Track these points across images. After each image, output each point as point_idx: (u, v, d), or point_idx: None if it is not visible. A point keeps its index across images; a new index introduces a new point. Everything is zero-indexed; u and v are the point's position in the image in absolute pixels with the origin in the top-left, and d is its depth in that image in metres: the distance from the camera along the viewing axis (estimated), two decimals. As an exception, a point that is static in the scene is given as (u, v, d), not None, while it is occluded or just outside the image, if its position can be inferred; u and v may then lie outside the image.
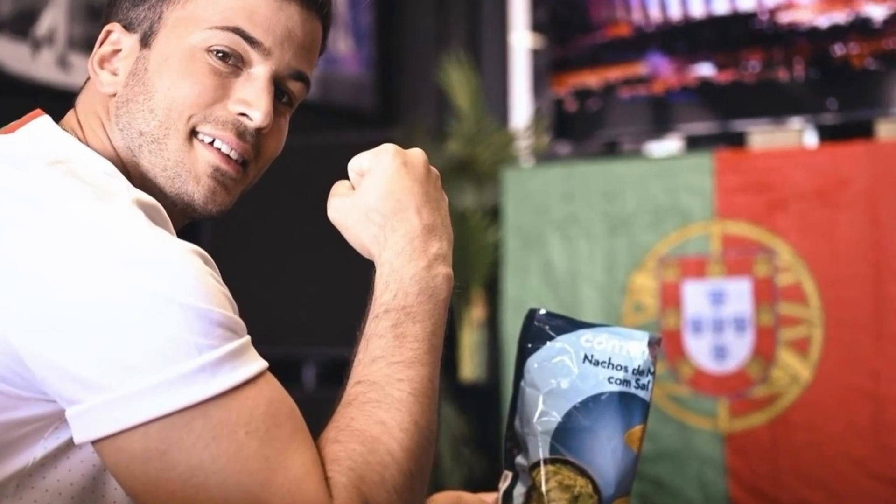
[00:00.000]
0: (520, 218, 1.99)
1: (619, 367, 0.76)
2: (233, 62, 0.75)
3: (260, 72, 0.76)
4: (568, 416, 0.76)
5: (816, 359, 1.73)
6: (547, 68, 2.22)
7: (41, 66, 2.08)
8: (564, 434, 0.76)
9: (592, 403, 0.76)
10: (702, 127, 2.07)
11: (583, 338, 0.78)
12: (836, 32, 1.87)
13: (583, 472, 0.75)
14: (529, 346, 0.79)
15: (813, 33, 1.90)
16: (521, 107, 2.78)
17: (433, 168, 0.77)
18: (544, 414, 0.76)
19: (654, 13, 2.05)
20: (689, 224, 1.84)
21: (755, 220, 1.79)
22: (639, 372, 0.76)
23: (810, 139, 1.97)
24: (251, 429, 0.62)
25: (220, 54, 0.75)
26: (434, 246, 0.73)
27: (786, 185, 1.78)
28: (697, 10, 2.01)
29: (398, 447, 0.65)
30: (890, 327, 1.69)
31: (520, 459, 0.78)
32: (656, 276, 1.86)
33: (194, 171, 0.76)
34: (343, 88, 2.82)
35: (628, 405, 0.76)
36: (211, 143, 0.76)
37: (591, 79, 2.11)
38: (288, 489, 0.61)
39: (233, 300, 0.67)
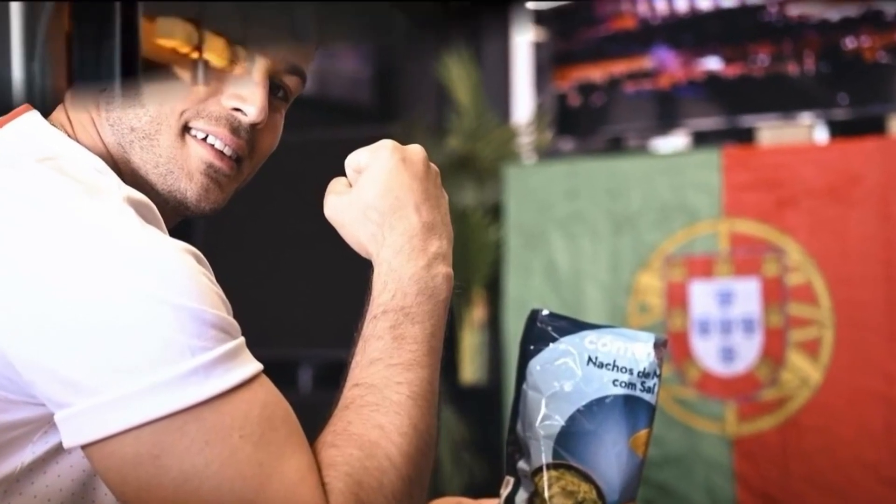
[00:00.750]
0: (522, 216, 1.98)
1: (623, 370, 0.76)
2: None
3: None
4: (571, 420, 0.75)
5: (827, 361, 1.71)
6: (549, 62, 2.20)
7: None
8: (568, 438, 0.75)
9: (596, 407, 0.75)
10: (709, 122, 2.05)
11: (587, 339, 0.77)
12: (848, 25, 1.85)
13: (587, 478, 0.75)
14: (532, 347, 0.78)
15: (823, 26, 1.88)
16: (524, 102, 2.76)
17: (433, 165, 0.76)
18: (547, 417, 0.76)
19: (660, 5, 2.03)
20: (696, 222, 1.83)
21: (764, 217, 1.77)
22: (644, 374, 0.75)
23: (821, 135, 1.96)
24: (245, 433, 0.61)
25: (213, 47, 0.73)
26: (433, 245, 0.71)
27: (795, 182, 1.76)
28: (704, 3, 1.99)
29: (397, 452, 0.64)
30: (902, 328, 1.67)
31: (522, 464, 0.77)
32: (662, 276, 1.84)
33: (187, 168, 0.74)
34: (340, 83, 2.80)
35: (633, 408, 0.75)
36: (204, 139, 0.75)
37: (595, 73, 2.09)
38: (283, 494, 0.60)
39: (227, 301, 0.66)
